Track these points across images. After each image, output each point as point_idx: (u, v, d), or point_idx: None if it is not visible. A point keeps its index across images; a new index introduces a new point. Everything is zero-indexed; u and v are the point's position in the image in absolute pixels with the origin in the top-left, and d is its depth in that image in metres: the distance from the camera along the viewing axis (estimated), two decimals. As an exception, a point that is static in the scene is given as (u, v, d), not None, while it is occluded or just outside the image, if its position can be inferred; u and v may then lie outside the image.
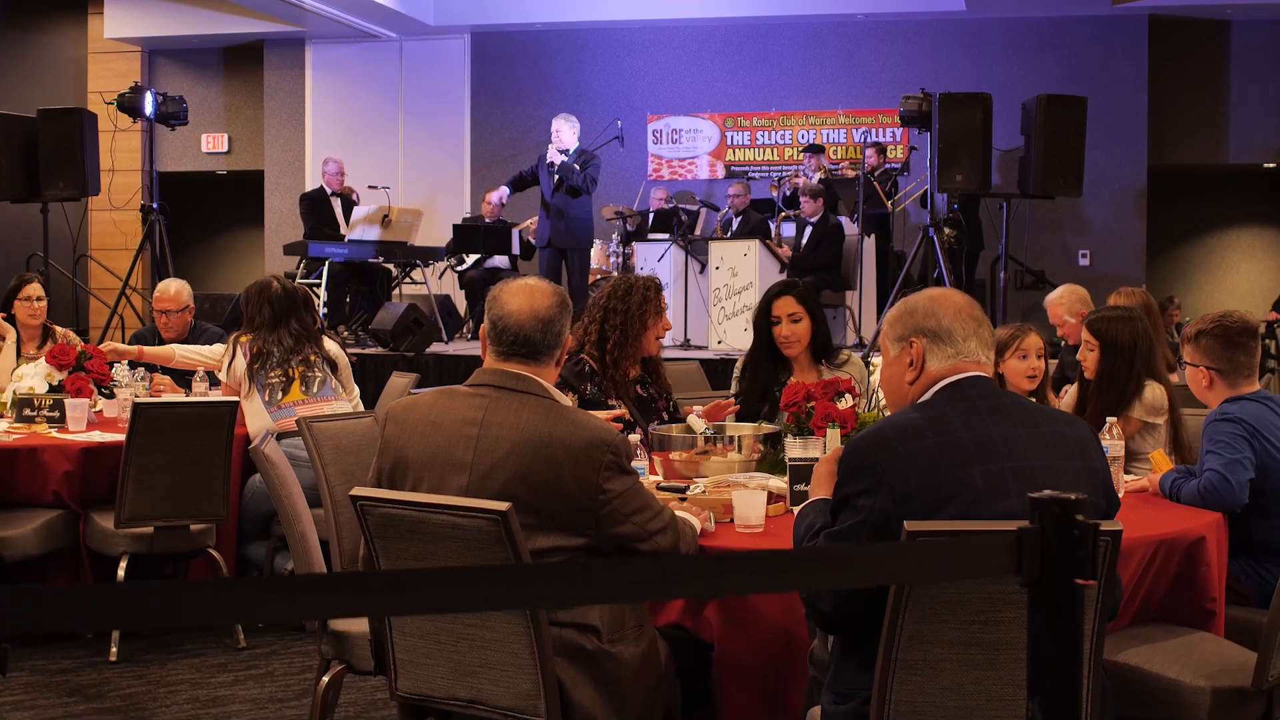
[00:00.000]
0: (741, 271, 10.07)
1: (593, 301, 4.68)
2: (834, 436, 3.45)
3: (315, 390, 5.35)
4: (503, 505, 2.57)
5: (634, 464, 2.93)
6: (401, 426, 2.90)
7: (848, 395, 3.72)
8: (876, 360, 5.30)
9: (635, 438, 4.03)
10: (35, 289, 6.33)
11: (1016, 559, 1.62)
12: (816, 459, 3.38)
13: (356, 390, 5.68)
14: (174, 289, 6.31)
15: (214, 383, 5.74)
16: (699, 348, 10.00)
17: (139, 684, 4.56)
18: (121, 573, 4.83)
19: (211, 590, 1.39)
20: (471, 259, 11.76)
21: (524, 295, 2.90)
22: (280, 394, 5.30)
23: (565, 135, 10.40)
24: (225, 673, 4.69)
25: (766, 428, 3.95)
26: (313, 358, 5.38)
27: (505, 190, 11.01)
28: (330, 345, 5.53)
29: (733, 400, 4.49)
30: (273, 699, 4.42)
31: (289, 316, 5.37)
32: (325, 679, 3.49)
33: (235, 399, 5.10)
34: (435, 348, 9.76)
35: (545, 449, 2.73)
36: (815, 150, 12.17)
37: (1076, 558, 1.61)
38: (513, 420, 2.77)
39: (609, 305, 4.57)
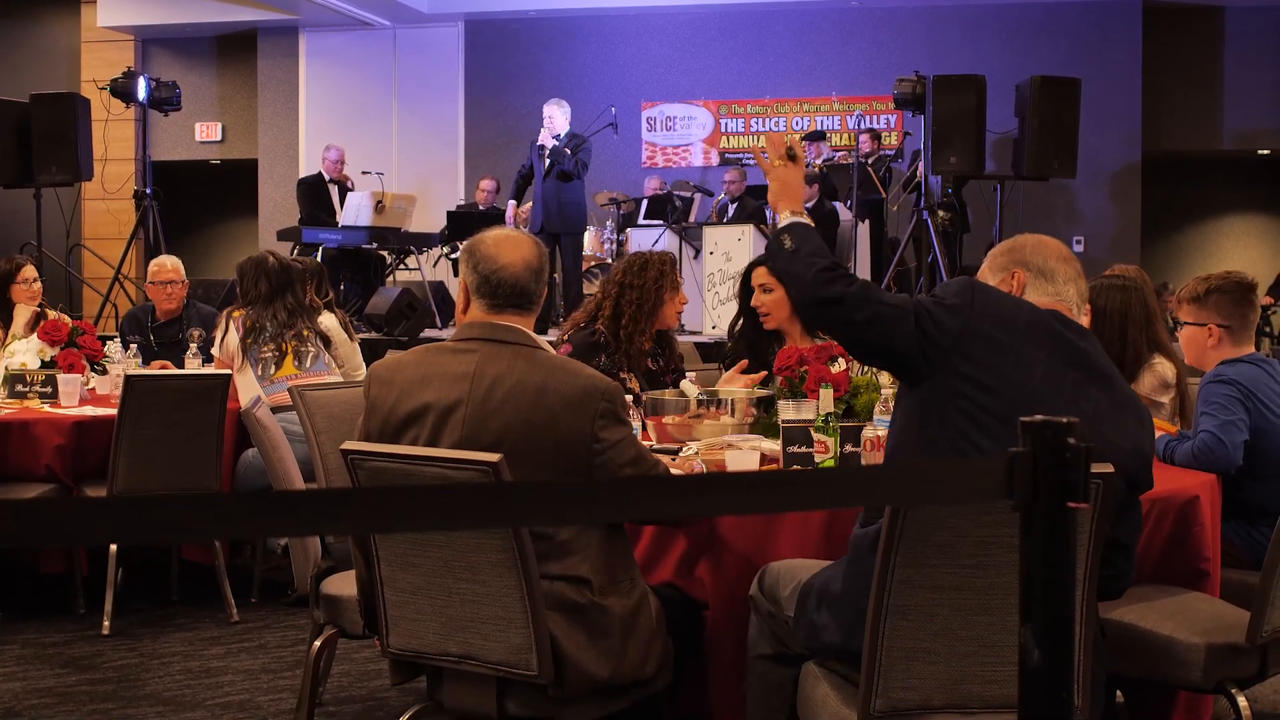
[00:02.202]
0: (736, 257, 10.05)
1: (608, 277, 4.72)
2: (826, 398, 3.44)
3: (308, 365, 5.35)
4: (494, 456, 2.56)
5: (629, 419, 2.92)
6: (388, 386, 2.88)
7: (840, 359, 3.72)
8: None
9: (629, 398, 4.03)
10: (30, 271, 6.30)
11: (1008, 482, 1.61)
12: (809, 421, 3.38)
13: (363, 370, 5.67)
14: (171, 263, 6.34)
15: (207, 358, 5.73)
16: (693, 332, 10.00)
17: (131, 656, 4.55)
18: (114, 546, 4.81)
19: (195, 506, 1.38)
20: (465, 246, 11.74)
21: (511, 246, 2.89)
22: (273, 368, 5.30)
23: (558, 120, 10.39)
24: (218, 645, 4.68)
25: (760, 391, 3.95)
26: (305, 332, 5.38)
27: (513, 204, 11.09)
28: (326, 320, 5.53)
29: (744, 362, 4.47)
30: (265, 670, 4.41)
31: (285, 291, 5.38)
32: (317, 643, 3.50)
33: (228, 371, 5.09)
34: (428, 332, 9.76)
35: (540, 399, 2.72)
36: (816, 137, 12.16)
37: (1068, 480, 1.60)
38: (505, 371, 2.76)
39: (625, 281, 4.60)
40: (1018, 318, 2.58)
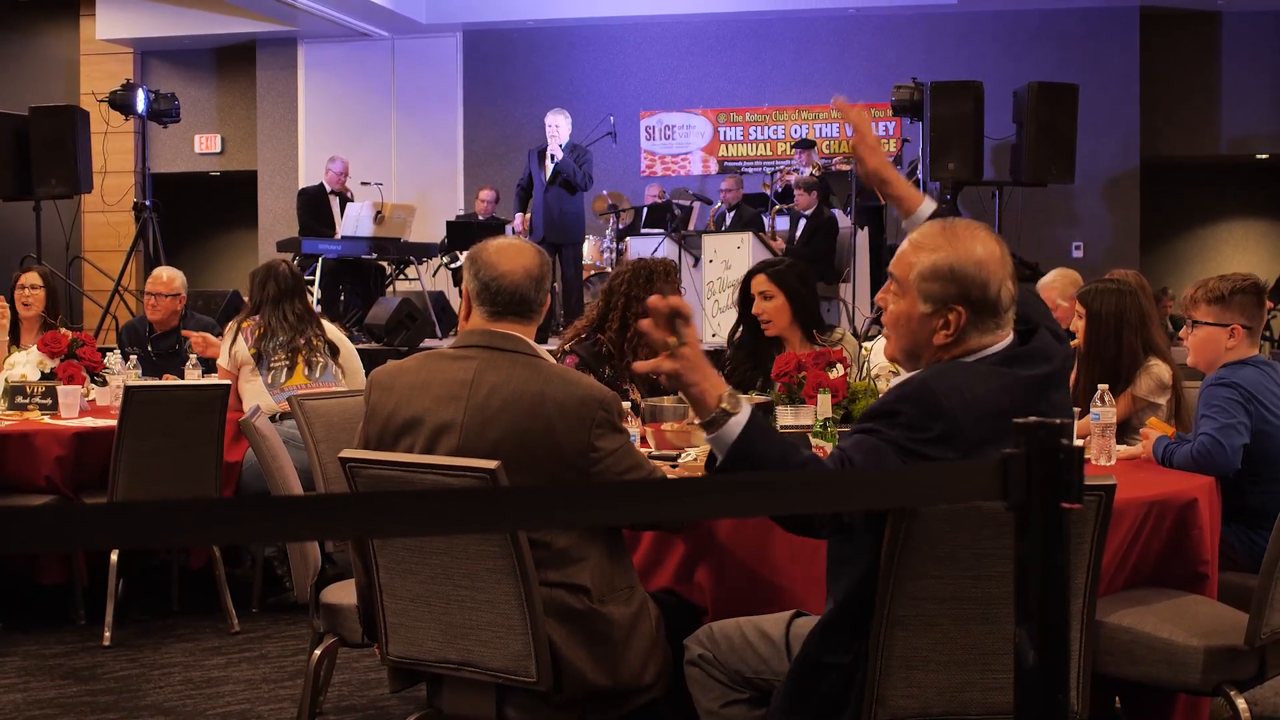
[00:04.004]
0: (735, 265, 10.05)
1: (611, 286, 4.63)
2: (825, 403, 3.44)
3: (318, 375, 5.38)
4: (492, 463, 2.57)
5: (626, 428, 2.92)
6: (388, 391, 2.89)
7: (839, 365, 3.72)
8: (868, 345, 5.31)
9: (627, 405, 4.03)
10: (30, 278, 6.30)
11: (1002, 484, 1.62)
12: (808, 426, 3.38)
13: (363, 380, 5.69)
14: (167, 275, 6.34)
15: (206, 369, 5.74)
16: (693, 340, 9.98)
17: (132, 667, 4.55)
18: (114, 557, 4.81)
19: (193, 511, 1.38)
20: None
21: (513, 254, 2.90)
22: (284, 376, 5.33)
23: (563, 129, 10.54)
24: (218, 655, 4.68)
25: (758, 398, 3.95)
26: (315, 341, 5.42)
27: (520, 216, 11.10)
28: (333, 331, 5.57)
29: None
30: (266, 679, 4.41)
31: (292, 296, 5.43)
32: (317, 651, 3.50)
33: (227, 382, 5.09)
34: (428, 342, 9.76)
35: (537, 407, 2.72)
36: (806, 145, 12.19)
37: (1062, 481, 1.61)
38: (503, 379, 2.77)
39: (631, 293, 4.55)
40: (998, 403, 2.35)
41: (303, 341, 5.39)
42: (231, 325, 5.51)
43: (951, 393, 2.33)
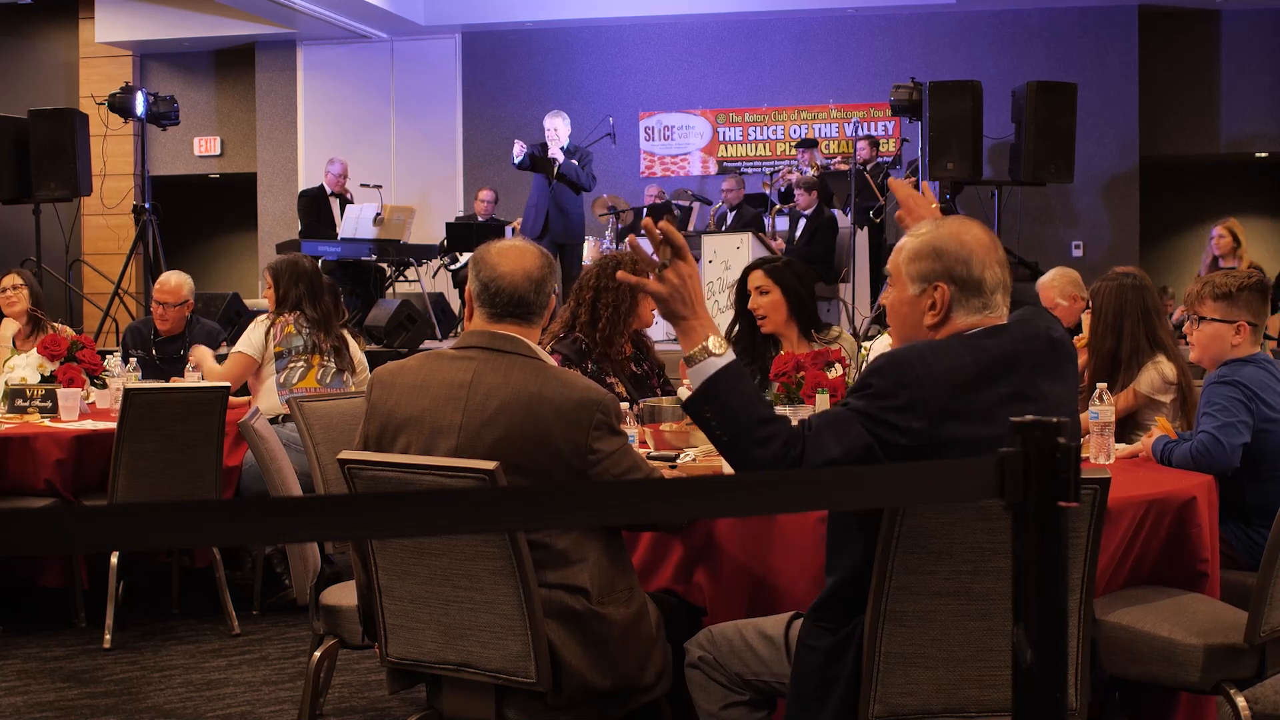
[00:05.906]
0: (735, 265, 10.05)
1: (580, 284, 4.64)
2: (823, 403, 3.45)
3: (329, 382, 5.40)
4: (490, 464, 2.57)
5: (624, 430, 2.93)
6: (388, 390, 2.89)
7: (837, 365, 3.72)
8: (868, 345, 5.31)
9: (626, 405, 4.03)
10: (10, 279, 6.31)
11: (999, 482, 1.62)
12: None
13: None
14: (174, 281, 6.23)
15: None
16: (693, 341, 9.99)
17: (133, 669, 4.55)
18: (114, 560, 4.82)
19: (193, 512, 1.38)
20: (465, 257, 11.78)
21: (514, 256, 2.90)
22: (297, 378, 5.34)
23: (562, 132, 10.58)
24: (219, 658, 4.68)
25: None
26: (339, 345, 5.45)
27: (522, 148, 10.81)
28: (351, 343, 5.62)
29: None
30: (267, 681, 4.41)
31: (321, 294, 5.51)
32: (317, 653, 3.50)
33: (226, 384, 5.08)
34: (428, 344, 9.77)
35: (535, 409, 2.72)
36: (808, 145, 12.20)
37: (1059, 480, 1.61)
38: (502, 381, 2.77)
39: (599, 285, 4.55)
40: (964, 373, 2.40)
41: (328, 346, 5.42)
42: (265, 318, 5.49)
43: (918, 363, 2.39)
